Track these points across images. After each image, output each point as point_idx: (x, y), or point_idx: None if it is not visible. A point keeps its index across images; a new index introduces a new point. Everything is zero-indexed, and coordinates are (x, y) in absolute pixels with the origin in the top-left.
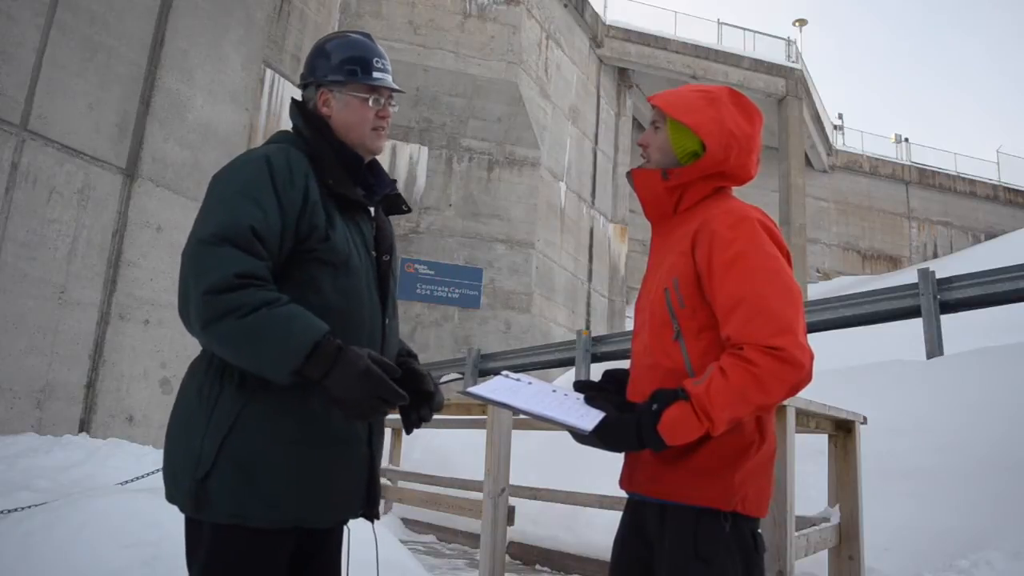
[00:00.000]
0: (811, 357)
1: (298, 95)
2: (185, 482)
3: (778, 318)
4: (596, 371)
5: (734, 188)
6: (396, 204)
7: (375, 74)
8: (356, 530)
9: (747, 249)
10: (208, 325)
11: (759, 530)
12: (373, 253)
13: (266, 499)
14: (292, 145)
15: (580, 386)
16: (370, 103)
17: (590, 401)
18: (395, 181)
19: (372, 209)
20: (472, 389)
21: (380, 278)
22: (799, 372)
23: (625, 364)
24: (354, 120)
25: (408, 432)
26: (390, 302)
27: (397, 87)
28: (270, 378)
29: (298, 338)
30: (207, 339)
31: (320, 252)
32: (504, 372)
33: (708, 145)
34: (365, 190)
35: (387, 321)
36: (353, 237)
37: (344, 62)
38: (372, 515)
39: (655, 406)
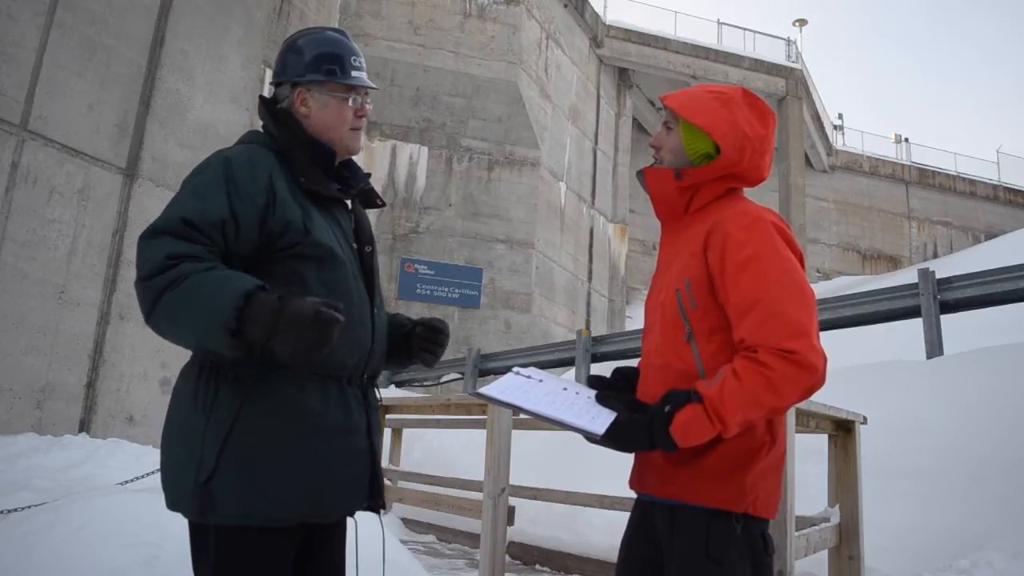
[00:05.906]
0: (825, 360)
1: None
2: (188, 487)
3: (793, 321)
4: (597, 371)
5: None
6: (371, 198)
7: (353, 73)
8: (359, 525)
9: (761, 251)
10: (151, 312)
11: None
12: (355, 245)
13: (271, 497)
14: (261, 144)
15: (593, 382)
16: (349, 102)
17: (602, 400)
18: (369, 175)
19: (349, 202)
20: (483, 390)
21: (364, 270)
22: (813, 375)
23: (627, 364)
24: (334, 120)
25: (429, 365)
26: (376, 293)
27: (374, 85)
28: (216, 348)
29: (226, 292)
30: (155, 327)
31: (302, 247)
32: (515, 369)
33: (722, 147)
34: (341, 184)
35: (375, 311)
36: (333, 231)
37: (320, 60)
38: (377, 506)
39: (667, 407)
